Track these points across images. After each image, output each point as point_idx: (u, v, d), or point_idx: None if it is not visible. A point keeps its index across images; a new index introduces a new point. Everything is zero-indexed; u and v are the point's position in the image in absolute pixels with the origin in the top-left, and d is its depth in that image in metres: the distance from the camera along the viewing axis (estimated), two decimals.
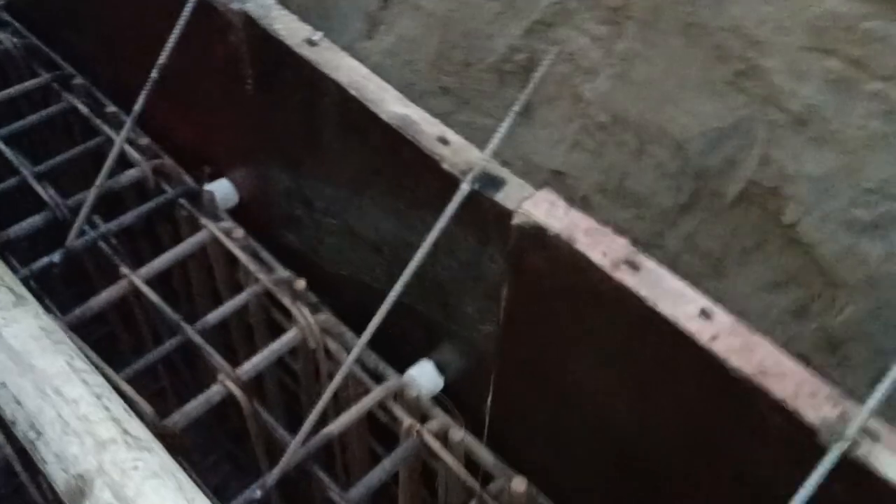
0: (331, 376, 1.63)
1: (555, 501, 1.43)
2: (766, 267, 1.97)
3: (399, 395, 1.52)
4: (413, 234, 1.42)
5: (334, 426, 1.45)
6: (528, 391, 1.39)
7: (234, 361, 1.52)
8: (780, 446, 1.00)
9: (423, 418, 1.52)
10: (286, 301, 1.54)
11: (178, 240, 1.71)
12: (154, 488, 1.18)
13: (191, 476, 1.51)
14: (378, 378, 1.58)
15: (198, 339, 1.49)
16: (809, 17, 1.69)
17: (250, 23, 1.44)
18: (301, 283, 1.61)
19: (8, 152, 1.76)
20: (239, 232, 1.68)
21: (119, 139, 1.60)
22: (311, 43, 1.38)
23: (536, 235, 1.14)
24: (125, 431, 1.25)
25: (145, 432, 1.28)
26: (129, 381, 1.47)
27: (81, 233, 1.66)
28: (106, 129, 1.85)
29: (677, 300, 1.05)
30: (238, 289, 1.64)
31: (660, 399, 1.14)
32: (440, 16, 2.16)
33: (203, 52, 1.61)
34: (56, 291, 1.73)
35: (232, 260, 1.66)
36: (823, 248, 1.82)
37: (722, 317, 1.04)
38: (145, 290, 1.54)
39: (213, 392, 1.43)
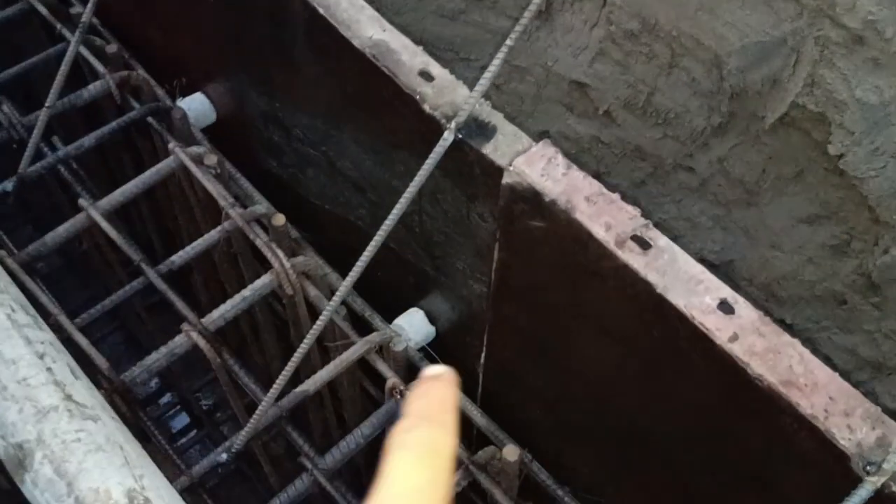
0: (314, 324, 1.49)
1: (550, 469, 1.30)
2: (804, 199, 1.77)
3: (385, 348, 1.37)
4: (395, 177, 1.23)
5: (310, 383, 1.31)
6: (522, 356, 1.24)
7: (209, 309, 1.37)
8: (806, 467, 0.85)
9: (411, 374, 1.38)
10: (259, 242, 1.38)
11: (146, 164, 1.54)
12: (97, 463, 1.06)
13: (157, 437, 1.41)
14: (364, 326, 1.43)
15: (160, 284, 1.34)
16: None
17: None
18: (279, 219, 1.44)
19: None
20: (212, 158, 1.50)
21: (72, 47, 1.41)
22: None
23: (530, 199, 0.96)
24: (68, 397, 1.13)
25: (92, 397, 1.16)
26: (90, 331, 1.34)
27: (39, 157, 1.49)
28: (67, 33, 1.64)
29: (693, 288, 0.87)
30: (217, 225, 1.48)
31: (669, 389, 0.98)
32: None
33: None
34: (16, 223, 1.58)
35: (207, 190, 1.49)
36: (871, 183, 1.61)
37: (745, 310, 0.86)
38: (104, 225, 1.38)
39: (177, 343, 1.30)
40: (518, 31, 0.94)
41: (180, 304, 1.33)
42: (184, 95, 1.68)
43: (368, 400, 1.59)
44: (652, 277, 0.87)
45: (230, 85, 1.56)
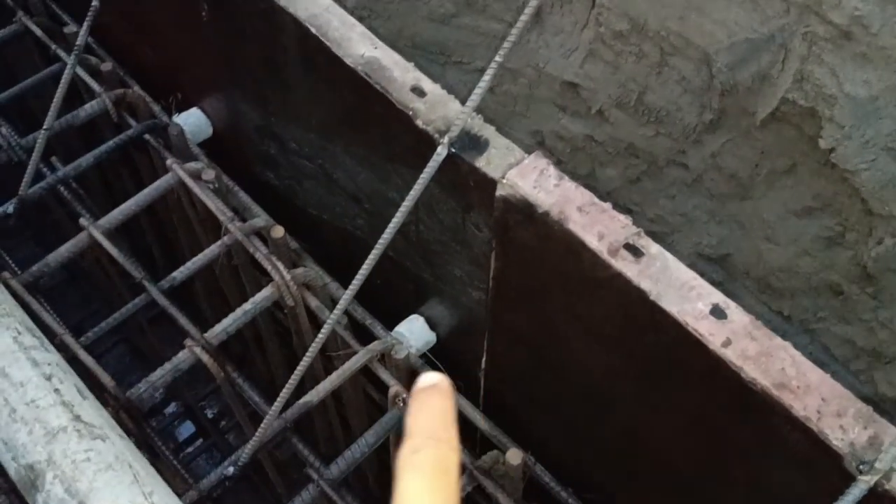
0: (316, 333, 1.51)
1: (553, 472, 1.32)
2: (797, 191, 1.79)
3: (386, 355, 1.39)
4: (391, 188, 1.25)
5: (314, 394, 1.33)
6: (522, 360, 1.26)
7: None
8: (800, 468, 0.86)
9: (413, 381, 1.40)
10: (259, 255, 1.39)
11: (146, 182, 1.55)
12: (107, 482, 1.08)
13: (165, 452, 1.42)
14: (365, 334, 1.45)
15: (162, 301, 1.36)
16: None
17: None
18: (278, 231, 1.46)
19: None
20: (210, 173, 1.52)
21: (67, 70, 1.42)
22: None
23: (524, 210, 0.98)
24: (77, 418, 1.15)
25: (100, 416, 1.18)
26: (94, 346, 1.36)
27: (38, 178, 1.51)
28: (62, 54, 1.66)
29: (685, 294, 0.89)
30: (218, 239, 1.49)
31: (665, 393, 1.00)
32: None
33: None
34: (17, 240, 1.59)
35: (206, 205, 1.50)
36: (863, 175, 1.63)
37: (737, 314, 0.88)
38: (106, 244, 1.40)
39: (181, 359, 1.31)
40: (506, 48, 0.96)
41: (183, 321, 1.35)
42: (180, 111, 1.69)
43: (373, 405, 1.61)
44: (645, 285, 0.89)
45: (225, 100, 1.58)
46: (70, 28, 1.77)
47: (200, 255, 1.43)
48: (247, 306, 1.38)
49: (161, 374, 1.31)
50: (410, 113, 1.05)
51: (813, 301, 1.83)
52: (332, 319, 1.18)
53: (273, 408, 1.28)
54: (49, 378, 1.17)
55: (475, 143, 1.02)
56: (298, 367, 1.19)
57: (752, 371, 0.84)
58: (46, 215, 1.75)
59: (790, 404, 0.83)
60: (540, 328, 1.14)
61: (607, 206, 0.96)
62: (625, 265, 0.91)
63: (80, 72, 1.62)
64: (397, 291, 1.46)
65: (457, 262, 1.23)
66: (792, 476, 0.88)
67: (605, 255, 0.91)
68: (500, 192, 1.00)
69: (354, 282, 1.12)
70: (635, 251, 0.91)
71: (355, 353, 1.37)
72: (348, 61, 1.09)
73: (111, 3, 1.36)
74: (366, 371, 1.42)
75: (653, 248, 0.92)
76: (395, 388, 1.33)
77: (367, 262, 1.09)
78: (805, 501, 0.87)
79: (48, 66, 1.72)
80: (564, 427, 1.27)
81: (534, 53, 2.07)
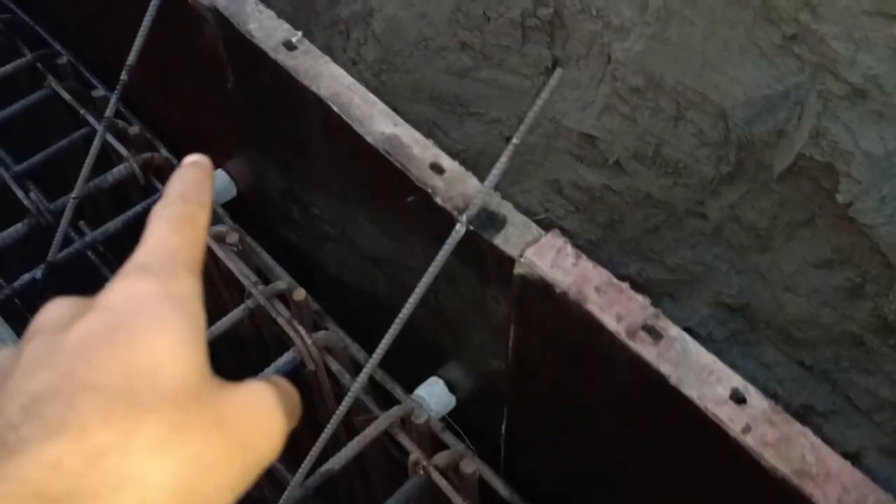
0: (337, 398, 1.53)
1: None
2: (816, 244, 1.79)
3: (406, 420, 1.40)
4: (411, 257, 1.27)
5: (335, 461, 1.34)
6: (543, 428, 1.26)
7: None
8: None
9: (434, 444, 1.41)
10: (280, 320, 1.42)
11: None
12: None
13: None
14: (385, 397, 1.46)
15: None
16: None
17: (222, 19, 1.27)
18: (300, 294, 1.48)
19: None
20: (234, 236, 1.55)
21: (96, 140, 1.46)
22: (290, 46, 1.20)
23: (542, 289, 0.99)
24: None
25: None
26: None
27: (67, 242, 1.55)
28: (91, 119, 1.71)
29: (705, 378, 0.89)
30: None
31: (685, 473, 1.00)
32: None
33: (182, 41, 1.45)
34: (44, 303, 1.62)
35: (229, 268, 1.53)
36: (882, 230, 1.63)
37: (756, 399, 0.88)
38: None
39: None
40: (522, 131, 0.98)
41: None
42: None
43: (395, 465, 1.62)
44: (665, 368, 0.90)
45: (250, 164, 1.61)
46: (98, 91, 1.81)
47: (224, 319, 1.45)
48: (268, 371, 1.40)
49: None
50: (429, 190, 1.08)
51: (834, 351, 1.82)
52: (354, 389, 1.20)
53: (295, 479, 1.29)
54: None
55: (493, 221, 1.04)
56: (320, 439, 1.20)
57: (771, 458, 0.84)
58: (75, 280, 1.78)
59: (811, 492, 0.83)
60: (560, 399, 1.15)
61: (625, 285, 0.97)
62: (643, 347, 0.92)
63: (109, 137, 1.66)
64: (416, 353, 1.48)
65: (476, 332, 1.24)
66: None
67: (623, 337, 0.92)
68: (517, 270, 1.01)
69: (375, 355, 1.13)
70: (654, 333, 0.92)
71: (376, 418, 1.38)
72: (369, 139, 1.12)
73: (139, 68, 1.40)
74: (387, 433, 1.43)
75: (672, 329, 0.93)
76: (415, 454, 1.34)
77: (388, 335, 1.11)
78: None
79: (77, 128, 1.77)
80: (585, 497, 1.28)
81: (551, 106, 2.10)
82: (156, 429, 0.36)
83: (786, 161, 1.71)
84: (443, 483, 1.28)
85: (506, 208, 1.05)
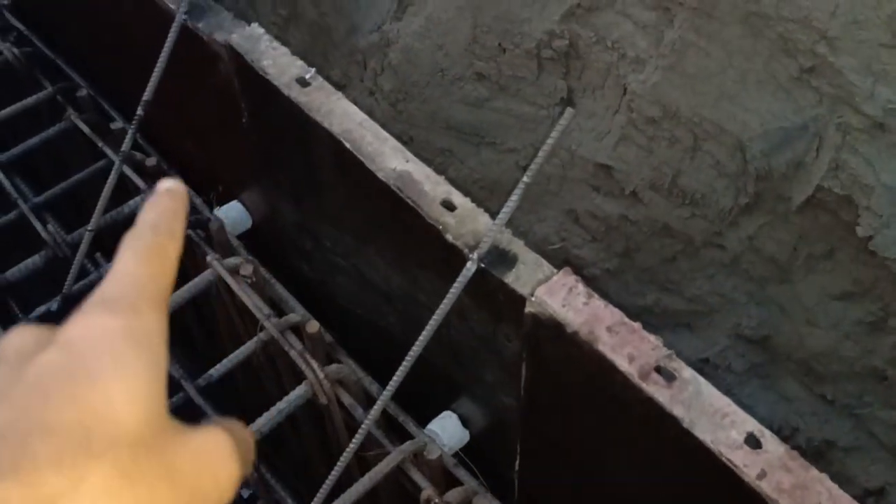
0: (349, 429, 1.51)
1: None
2: (837, 276, 1.76)
3: (419, 455, 1.39)
4: (422, 293, 1.26)
5: (346, 498, 1.33)
6: (556, 465, 1.24)
7: (250, 418, 1.40)
8: None
9: (447, 480, 1.39)
10: (293, 353, 1.41)
11: (190, 275, 1.59)
12: None
13: None
14: (398, 430, 1.45)
15: (198, 399, 1.38)
16: (890, 12, 1.44)
17: (236, 56, 1.28)
18: (313, 327, 1.48)
19: (6, 183, 1.65)
20: (248, 268, 1.55)
21: (113, 173, 1.47)
22: (303, 83, 1.21)
23: (553, 328, 0.98)
24: None
25: None
26: None
27: (83, 274, 1.55)
28: (109, 151, 1.72)
29: (719, 422, 0.88)
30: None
31: None
32: None
33: (198, 77, 1.46)
34: None
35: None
36: None
37: (772, 444, 0.86)
38: None
39: None
40: (534, 170, 0.97)
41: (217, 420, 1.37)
42: (221, 203, 1.74)
43: (408, 501, 1.60)
44: (678, 411, 0.88)
45: (264, 196, 1.62)
46: (117, 124, 1.83)
47: (237, 352, 1.45)
48: (280, 405, 1.39)
49: None
50: (440, 227, 1.07)
51: (857, 386, 1.79)
52: (366, 424, 1.19)
53: None
54: None
55: (504, 258, 1.03)
56: (332, 474, 1.19)
57: None
58: None
59: None
60: (572, 438, 1.13)
61: (637, 325, 0.95)
62: (656, 390, 0.90)
63: (126, 169, 1.67)
64: (429, 387, 1.46)
65: (488, 368, 1.23)
66: None
67: (635, 380, 0.91)
68: (529, 308, 1.00)
69: (386, 391, 1.12)
70: (667, 375, 0.91)
71: (388, 453, 1.37)
72: (380, 175, 1.12)
73: (156, 102, 1.41)
74: (399, 469, 1.41)
75: (685, 371, 0.91)
76: (427, 491, 1.33)
77: (400, 369, 1.10)
78: None
79: (95, 160, 1.78)
80: None
81: (566, 136, 2.09)
82: (106, 476, 0.36)
83: (805, 193, 1.69)
84: None
85: (517, 246, 1.04)
